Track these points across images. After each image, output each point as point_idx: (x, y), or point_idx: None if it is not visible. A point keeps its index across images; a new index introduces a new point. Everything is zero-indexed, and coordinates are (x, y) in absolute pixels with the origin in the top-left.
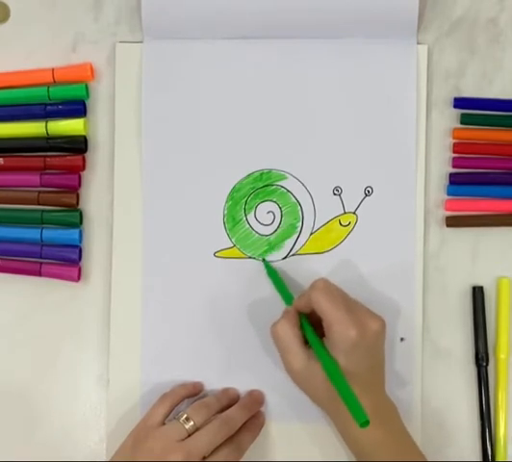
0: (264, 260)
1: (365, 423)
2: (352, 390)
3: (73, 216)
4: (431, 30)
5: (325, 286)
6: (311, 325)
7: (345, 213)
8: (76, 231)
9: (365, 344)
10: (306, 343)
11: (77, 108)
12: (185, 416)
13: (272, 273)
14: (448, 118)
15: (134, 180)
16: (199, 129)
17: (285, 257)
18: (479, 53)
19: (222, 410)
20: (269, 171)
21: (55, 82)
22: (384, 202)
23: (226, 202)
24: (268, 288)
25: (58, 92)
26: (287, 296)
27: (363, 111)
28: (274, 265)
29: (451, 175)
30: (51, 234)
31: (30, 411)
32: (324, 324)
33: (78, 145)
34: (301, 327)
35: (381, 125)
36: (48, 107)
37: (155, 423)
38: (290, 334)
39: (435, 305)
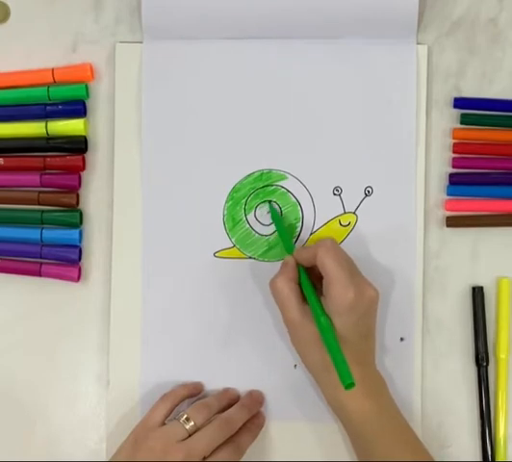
0: (269, 202)
1: (350, 385)
2: (342, 350)
3: (73, 216)
4: (431, 30)
5: (333, 245)
6: (310, 281)
7: (345, 213)
8: (76, 231)
9: (360, 308)
10: (304, 298)
11: (77, 108)
12: (185, 416)
13: (277, 218)
14: (448, 118)
15: (134, 180)
16: (199, 129)
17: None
18: (479, 53)
19: (222, 410)
20: (269, 171)
21: (55, 82)
22: (384, 202)
23: (226, 202)
24: (267, 288)
25: (58, 92)
26: (288, 245)
27: (363, 111)
28: (274, 265)
29: (451, 175)
30: (51, 234)
31: (30, 411)
32: (324, 282)
33: (78, 145)
34: (300, 283)
35: (381, 125)
36: (48, 107)
37: (155, 424)
38: (286, 289)
39: (435, 305)
